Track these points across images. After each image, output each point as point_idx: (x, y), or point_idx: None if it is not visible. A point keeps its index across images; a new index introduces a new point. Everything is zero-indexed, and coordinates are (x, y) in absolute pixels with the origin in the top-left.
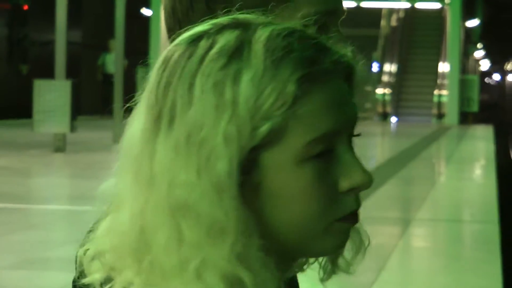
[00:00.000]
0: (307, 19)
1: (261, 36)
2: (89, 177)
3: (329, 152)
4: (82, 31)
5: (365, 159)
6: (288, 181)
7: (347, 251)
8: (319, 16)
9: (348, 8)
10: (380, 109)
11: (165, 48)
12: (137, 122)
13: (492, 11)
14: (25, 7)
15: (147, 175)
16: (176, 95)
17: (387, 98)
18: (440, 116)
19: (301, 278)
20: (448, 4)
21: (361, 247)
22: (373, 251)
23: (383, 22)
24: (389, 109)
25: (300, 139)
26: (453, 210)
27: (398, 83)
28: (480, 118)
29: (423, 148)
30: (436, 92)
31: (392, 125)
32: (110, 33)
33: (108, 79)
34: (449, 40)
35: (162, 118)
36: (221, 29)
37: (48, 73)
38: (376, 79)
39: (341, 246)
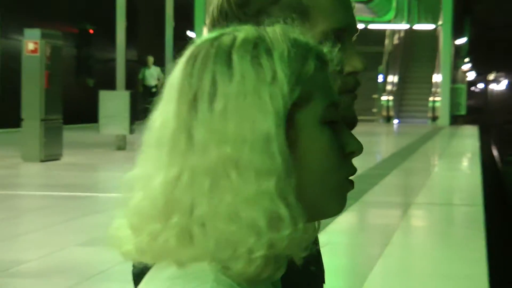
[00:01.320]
0: (324, 36)
1: (274, 30)
2: None
3: (336, 123)
4: (137, 51)
5: (373, 154)
6: (315, 137)
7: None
8: (335, 33)
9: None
10: (384, 113)
11: None
12: (167, 110)
13: (477, 31)
14: (91, 31)
15: (183, 148)
16: (215, 75)
17: (390, 103)
18: (434, 118)
19: None
20: (441, 25)
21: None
22: (380, 229)
23: (386, 41)
24: (392, 113)
25: (321, 103)
26: (445, 195)
27: (400, 91)
28: (467, 120)
29: (420, 145)
30: (431, 98)
31: (394, 126)
32: (161, 52)
33: (147, 90)
34: (441, 55)
35: (198, 99)
36: (237, 29)
37: (110, 85)
38: (382, 88)
39: (342, 209)
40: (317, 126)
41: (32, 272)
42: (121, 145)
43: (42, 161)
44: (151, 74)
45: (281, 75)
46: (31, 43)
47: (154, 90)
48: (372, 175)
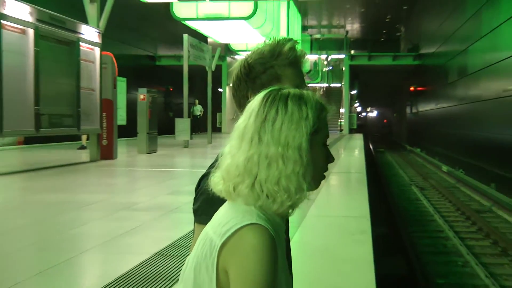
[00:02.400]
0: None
1: (308, 92)
2: (199, 158)
3: (326, 146)
4: (193, 97)
5: None
6: (319, 152)
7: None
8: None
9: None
10: None
11: (229, 105)
12: (249, 120)
13: (361, 88)
14: (171, 89)
15: (256, 142)
16: (278, 108)
17: None
18: (341, 130)
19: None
20: (343, 84)
21: None
22: None
23: (317, 93)
24: None
25: (323, 134)
26: (347, 168)
27: None
28: (357, 130)
29: (334, 143)
30: (339, 120)
31: None
32: (205, 98)
33: (195, 117)
34: (344, 99)
35: (268, 118)
36: (287, 87)
37: (180, 115)
38: None
39: (318, 186)
40: (321, 146)
41: (142, 208)
42: (186, 145)
43: (147, 153)
44: (197, 109)
45: (310, 116)
46: (142, 95)
47: (198, 117)
48: None
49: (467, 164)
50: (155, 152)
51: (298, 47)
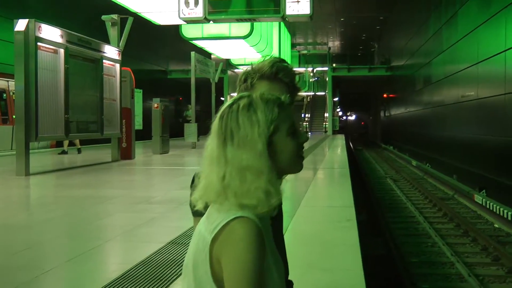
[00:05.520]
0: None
1: (257, 97)
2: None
3: (294, 132)
4: (200, 106)
5: None
6: (285, 144)
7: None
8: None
9: None
10: (305, 129)
11: None
12: (212, 143)
13: (342, 95)
14: (180, 99)
15: (223, 162)
16: (232, 126)
17: (307, 125)
18: (326, 131)
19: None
20: (327, 92)
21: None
22: (304, 179)
23: (305, 100)
24: (308, 129)
25: (285, 126)
26: (332, 164)
27: (311, 120)
28: (339, 132)
29: (320, 143)
30: (324, 123)
31: (309, 135)
32: (208, 106)
33: (188, 121)
34: (328, 105)
35: (226, 138)
36: (240, 98)
37: (188, 120)
38: (303, 119)
39: (301, 170)
40: (286, 138)
41: (158, 202)
42: (194, 146)
43: (161, 154)
44: (189, 113)
45: (262, 122)
46: (155, 104)
47: (191, 121)
48: None
49: (433, 159)
50: (167, 153)
51: (282, 65)
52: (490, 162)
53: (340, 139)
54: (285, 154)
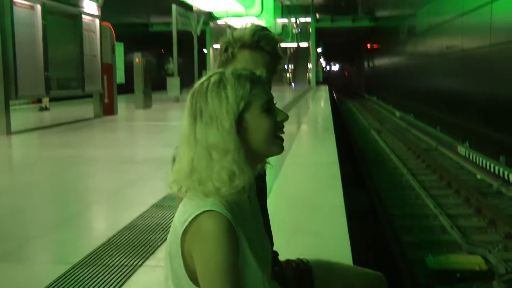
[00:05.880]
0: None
1: (228, 73)
2: None
3: (270, 109)
4: (182, 59)
5: (284, 99)
6: (259, 122)
7: None
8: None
9: None
10: (288, 81)
11: (212, 63)
12: (184, 121)
13: (326, 46)
14: (162, 51)
15: (193, 142)
16: (201, 103)
17: (290, 76)
18: (309, 82)
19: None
20: (311, 44)
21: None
22: (288, 136)
23: (288, 51)
24: (291, 81)
25: (259, 103)
26: (316, 118)
27: (294, 72)
28: (322, 83)
29: (304, 94)
30: (307, 74)
31: (292, 86)
32: (191, 58)
33: (168, 75)
34: (311, 56)
35: (196, 116)
36: (212, 75)
37: (169, 74)
38: (286, 71)
39: (281, 151)
40: (260, 115)
41: (141, 161)
42: (177, 99)
43: (144, 108)
44: (170, 66)
45: (231, 98)
46: (137, 58)
47: (172, 74)
48: (283, 109)
49: (416, 110)
50: (150, 107)
51: (263, 33)
52: (473, 114)
53: (324, 91)
54: (259, 133)
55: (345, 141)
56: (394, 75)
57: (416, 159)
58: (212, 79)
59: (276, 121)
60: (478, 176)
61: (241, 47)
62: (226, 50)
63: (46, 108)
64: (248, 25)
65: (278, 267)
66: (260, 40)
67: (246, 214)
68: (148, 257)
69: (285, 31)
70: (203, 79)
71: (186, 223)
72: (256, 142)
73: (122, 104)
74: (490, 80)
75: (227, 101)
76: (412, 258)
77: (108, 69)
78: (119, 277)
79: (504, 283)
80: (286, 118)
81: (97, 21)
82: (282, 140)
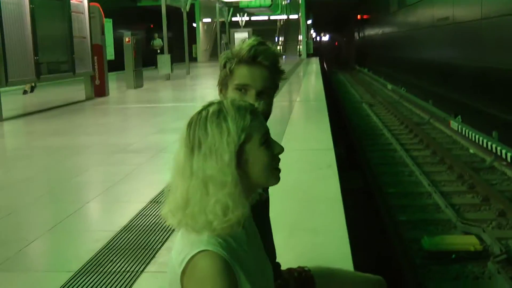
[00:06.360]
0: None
1: (228, 103)
2: (181, 90)
3: (267, 142)
4: (172, 35)
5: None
6: (258, 154)
7: None
8: (241, 87)
9: (264, 19)
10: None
11: (202, 38)
12: (179, 153)
13: (315, 18)
14: (151, 26)
15: (189, 173)
16: (200, 135)
17: (281, 49)
18: (300, 55)
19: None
20: (300, 15)
21: None
22: (284, 108)
23: (278, 23)
24: (282, 52)
25: (258, 136)
26: (308, 95)
27: (285, 44)
28: (314, 54)
29: (295, 68)
30: (298, 46)
31: (283, 59)
32: (181, 36)
33: (155, 52)
34: (301, 28)
35: (194, 147)
36: (210, 104)
37: (161, 52)
38: (277, 43)
39: (277, 182)
40: (258, 148)
41: (134, 150)
42: (168, 77)
43: (135, 88)
44: (157, 42)
45: (232, 130)
46: (127, 38)
47: (158, 51)
48: None
49: (408, 82)
50: (141, 87)
51: (260, 48)
52: (466, 88)
53: (315, 63)
54: (258, 165)
55: (338, 116)
56: (385, 47)
57: (408, 133)
58: (211, 110)
59: (273, 153)
60: (471, 151)
61: (238, 62)
62: (225, 65)
63: (30, 91)
64: (247, 41)
65: (280, 279)
66: (258, 55)
67: (242, 245)
68: (149, 262)
69: (274, 3)
70: (200, 108)
71: (183, 264)
72: (255, 175)
73: (113, 84)
74: (482, 53)
75: (228, 133)
76: (408, 239)
77: (98, 50)
78: (121, 285)
79: (498, 263)
80: (282, 150)
81: (86, 1)
82: (279, 171)
